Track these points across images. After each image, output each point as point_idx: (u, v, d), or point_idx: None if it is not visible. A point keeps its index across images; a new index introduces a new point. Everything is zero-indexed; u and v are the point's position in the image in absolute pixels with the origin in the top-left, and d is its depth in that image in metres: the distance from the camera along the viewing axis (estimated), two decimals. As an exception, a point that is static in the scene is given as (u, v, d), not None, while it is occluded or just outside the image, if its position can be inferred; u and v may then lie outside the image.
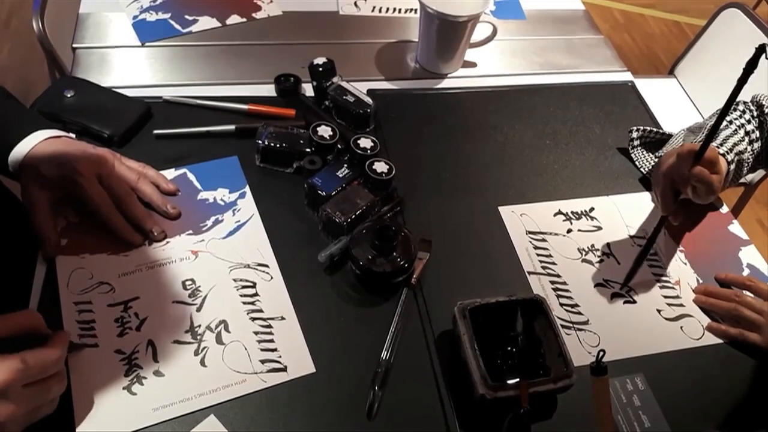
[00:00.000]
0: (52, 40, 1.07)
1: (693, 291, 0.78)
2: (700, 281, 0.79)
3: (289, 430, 0.61)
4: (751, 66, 0.63)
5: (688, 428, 0.66)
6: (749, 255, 0.83)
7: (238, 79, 0.95)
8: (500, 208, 0.83)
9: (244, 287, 0.70)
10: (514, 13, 1.17)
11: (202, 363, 0.64)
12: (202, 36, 1.01)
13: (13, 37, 2.17)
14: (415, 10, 1.12)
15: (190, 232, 0.75)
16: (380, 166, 0.79)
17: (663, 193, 0.77)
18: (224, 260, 0.73)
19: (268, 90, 0.93)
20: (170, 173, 0.80)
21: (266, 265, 0.73)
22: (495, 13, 1.15)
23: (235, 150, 0.84)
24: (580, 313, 0.74)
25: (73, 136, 0.77)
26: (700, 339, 0.73)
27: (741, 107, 0.85)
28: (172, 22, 1.02)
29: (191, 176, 0.80)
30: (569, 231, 0.82)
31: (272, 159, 0.82)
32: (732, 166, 0.80)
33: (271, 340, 0.66)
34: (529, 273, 0.77)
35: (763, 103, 0.84)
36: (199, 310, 0.68)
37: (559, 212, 0.84)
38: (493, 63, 1.07)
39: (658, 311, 0.75)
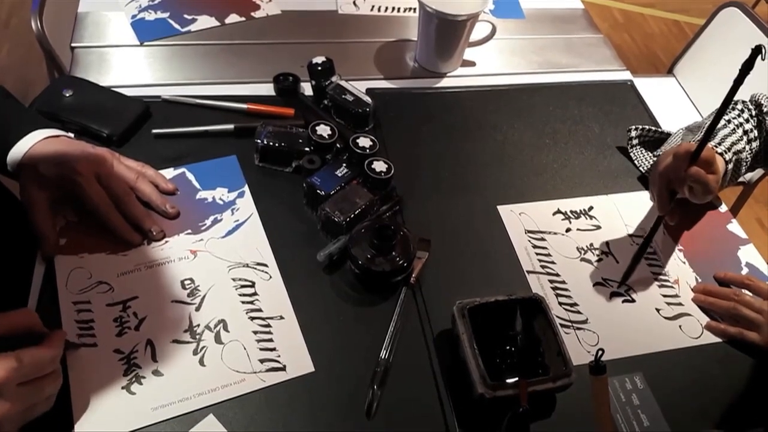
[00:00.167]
0: (50, 40, 1.07)
1: (692, 290, 0.78)
2: (699, 280, 0.79)
3: (289, 430, 0.61)
4: (747, 67, 0.63)
5: (687, 427, 0.66)
6: (748, 254, 0.83)
7: (236, 78, 0.95)
8: (499, 208, 0.83)
9: (243, 287, 0.70)
10: (513, 12, 1.17)
11: (201, 362, 0.64)
12: (200, 35, 1.01)
13: (12, 36, 2.17)
14: (414, 9, 1.12)
15: (189, 231, 0.75)
16: (379, 166, 0.79)
17: (659, 193, 0.77)
18: (223, 260, 0.72)
19: (267, 89, 0.93)
20: (169, 173, 0.80)
21: (265, 265, 0.73)
22: (494, 12, 1.15)
23: (234, 149, 0.84)
24: (579, 312, 0.74)
25: (72, 135, 0.77)
26: (699, 338, 0.73)
27: (740, 106, 0.85)
28: (171, 22, 1.02)
29: (190, 175, 0.80)
30: (568, 230, 0.82)
31: (271, 158, 0.82)
32: (730, 166, 0.80)
33: (270, 340, 0.66)
34: (528, 272, 0.77)
35: (762, 102, 0.84)
36: (198, 309, 0.68)
37: (558, 211, 0.84)
38: (492, 62, 1.07)
39: (657, 310, 0.75)
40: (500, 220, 0.82)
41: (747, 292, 0.77)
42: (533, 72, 1.06)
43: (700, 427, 0.66)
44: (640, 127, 0.93)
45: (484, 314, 0.66)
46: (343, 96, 0.88)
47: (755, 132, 0.84)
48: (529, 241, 0.80)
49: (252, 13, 1.06)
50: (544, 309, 0.67)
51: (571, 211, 0.85)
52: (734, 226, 0.86)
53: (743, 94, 0.79)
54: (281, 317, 0.68)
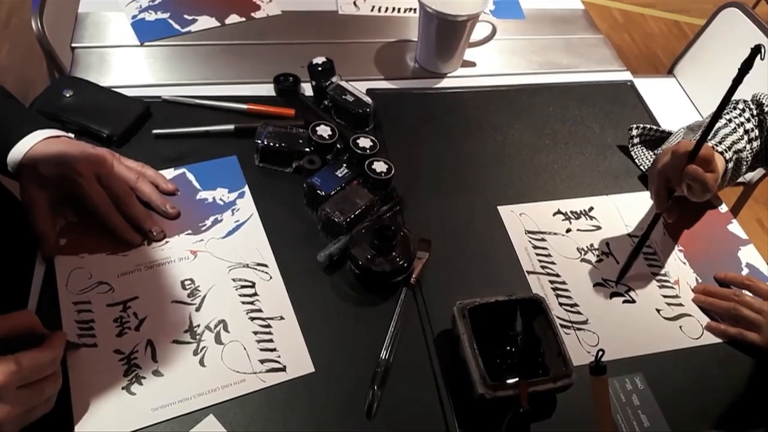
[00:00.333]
0: (51, 40, 1.07)
1: (692, 290, 0.78)
2: (700, 281, 0.79)
3: (289, 430, 0.61)
4: (746, 66, 0.64)
5: (688, 427, 0.66)
6: (748, 254, 0.83)
7: (237, 78, 0.95)
8: (499, 208, 0.83)
9: (243, 287, 0.70)
10: (513, 13, 1.17)
11: (201, 363, 0.64)
12: (201, 35, 1.01)
13: (13, 36, 2.17)
14: (415, 9, 1.12)
15: (189, 231, 0.75)
16: (379, 166, 0.79)
17: (657, 191, 0.77)
18: (223, 260, 0.72)
19: (267, 89, 0.93)
20: (169, 173, 0.80)
21: (265, 265, 0.73)
22: (494, 12, 1.15)
23: (235, 150, 0.84)
24: (579, 313, 0.74)
25: (72, 135, 0.77)
26: (699, 338, 0.73)
27: (741, 106, 0.85)
28: (171, 22, 1.02)
29: (190, 176, 0.80)
30: (568, 230, 0.82)
31: (271, 159, 0.82)
32: (730, 165, 0.80)
33: (270, 340, 0.66)
34: (529, 272, 0.77)
35: (763, 102, 0.84)
36: (198, 309, 0.68)
37: (559, 212, 0.84)
38: (492, 62, 1.07)
39: (658, 311, 0.75)
40: (500, 220, 0.82)
41: (747, 292, 0.77)
42: (533, 72, 1.06)
43: (701, 428, 0.66)
44: (642, 125, 0.93)
45: (485, 314, 0.66)
46: (344, 96, 0.88)
47: (756, 131, 0.84)
48: (530, 241, 0.80)
49: (252, 14, 1.06)
50: (544, 309, 0.67)
51: (572, 212, 0.85)
52: (734, 227, 0.86)
53: (744, 93, 0.79)
54: (281, 317, 0.68)
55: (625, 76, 1.08)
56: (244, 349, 0.65)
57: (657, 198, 0.78)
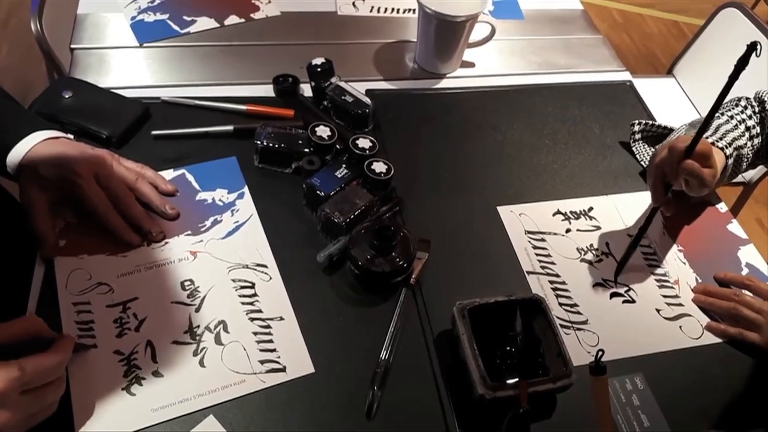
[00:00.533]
0: (50, 41, 1.07)
1: (692, 290, 0.78)
2: (699, 280, 0.79)
3: (289, 431, 0.61)
4: (742, 63, 0.64)
5: (688, 427, 0.66)
6: (748, 254, 0.83)
7: (236, 79, 0.95)
8: (499, 208, 0.83)
9: (243, 288, 0.70)
10: (512, 13, 1.17)
11: (201, 363, 0.64)
12: (200, 36, 1.01)
13: (12, 37, 2.17)
14: (414, 10, 1.12)
15: (189, 232, 0.75)
16: (379, 166, 0.79)
17: (654, 185, 0.77)
18: (223, 261, 0.72)
19: (267, 90, 0.93)
20: (169, 174, 0.80)
21: (265, 266, 0.73)
22: (493, 13, 1.15)
23: (234, 150, 0.84)
24: (579, 313, 0.74)
25: (72, 136, 0.77)
26: (699, 338, 0.73)
27: (743, 103, 0.85)
28: (170, 23, 1.02)
29: (190, 177, 0.80)
30: (568, 231, 0.82)
31: (271, 159, 0.82)
32: (730, 161, 0.80)
33: (270, 341, 0.66)
34: (528, 273, 0.77)
35: (765, 99, 0.84)
36: (197, 310, 0.68)
37: (558, 212, 0.84)
38: (491, 63, 1.07)
39: (657, 311, 0.75)
40: (500, 220, 0.82)
41: (747, 292, 0.77)
42: (532, 73, 1.06)
43: (701, 428, 0.66)
44: (643, 121, 0.93)
45: (484, 315, 0.66)
46: (343, 97, 0.88)
47: (758, 128, 0.84)
48: (529, 241, 0.80)
49: (251, 15, 1.06)
50: (544, 309, 0.67)
51: (571, 212, 0.85)
52: (734, 227, 0.86)
53: (744, 91, 0.79)
54: (281, 318, 0.68)
55: (625, 76, 1.09)
56: (244, 349, 0.65)
57: (654, 192, 0.78)
